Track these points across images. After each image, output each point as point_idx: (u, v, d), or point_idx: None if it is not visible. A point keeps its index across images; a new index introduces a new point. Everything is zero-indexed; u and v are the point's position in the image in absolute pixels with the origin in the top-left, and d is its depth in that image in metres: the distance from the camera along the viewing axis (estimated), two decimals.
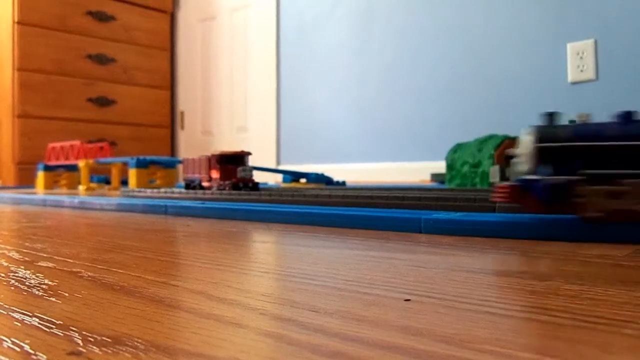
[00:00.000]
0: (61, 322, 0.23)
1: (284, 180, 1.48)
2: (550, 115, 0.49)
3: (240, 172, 0.97)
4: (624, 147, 0.45)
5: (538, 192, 0.48)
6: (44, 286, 0.30)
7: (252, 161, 1.07)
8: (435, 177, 1.48)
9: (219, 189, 0.97)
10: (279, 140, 2.21)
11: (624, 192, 0.44)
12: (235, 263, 0.38)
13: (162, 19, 2.73)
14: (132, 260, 0.40)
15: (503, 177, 0.55)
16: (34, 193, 1.50)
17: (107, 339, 0.20)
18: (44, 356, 0.19)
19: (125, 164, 1.59)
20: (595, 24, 1.42)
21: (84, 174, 1.63)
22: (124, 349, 0.19)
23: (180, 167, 1.77)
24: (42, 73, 2.31)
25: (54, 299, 0.27)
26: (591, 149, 0.46)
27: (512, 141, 1.00)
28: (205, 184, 1.04)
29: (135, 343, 0.20)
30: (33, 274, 0.34)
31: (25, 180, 2.24)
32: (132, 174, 1.46)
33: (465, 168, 1.02)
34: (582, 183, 0.46)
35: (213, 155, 1.01)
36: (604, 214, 0.45)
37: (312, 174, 1.38)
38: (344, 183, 1.41)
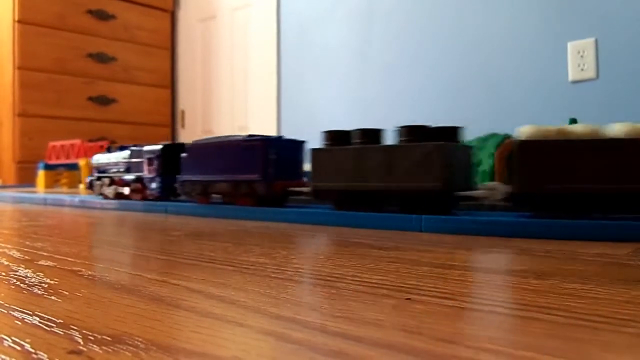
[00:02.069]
0: (61, 321, 0.23)
1: None
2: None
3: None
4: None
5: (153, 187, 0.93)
6: (44, 285, 0.30)
7: None
8: None
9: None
10: None
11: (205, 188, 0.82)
12: (235, 262, 0.38)
13: (163, 17, 2.73)
14: (132, 259, 0.40)
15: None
16: (35, 192, 1.50)
17: (107, 338, 0.20)
18: (45, 355, 0.18)
19: None
20: (596, 23, 1.42)
21: (84, 173, 1.63)
22: (124, 348, 0.19)
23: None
24: (43, 72, 2.31)
25: (54, 298, 0.27)
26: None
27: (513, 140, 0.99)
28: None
29: (136, 342, 0.20)
30: (33, 272, 0.34)
31: (25, 179, 2.24)
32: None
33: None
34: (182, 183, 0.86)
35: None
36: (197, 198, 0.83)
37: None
38: None
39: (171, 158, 0.91)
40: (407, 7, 1.82)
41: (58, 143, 1.77)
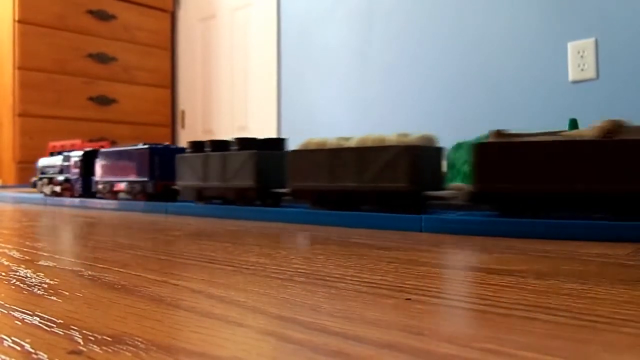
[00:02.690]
0: (62, 321, 0.23)
1: None
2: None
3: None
4: None
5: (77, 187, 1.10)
6: (44, 285, 0.30)
7: None
8: None
9: None
10: None
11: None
12: (235, 262, 0.38)
13: (163, 18, 2.73)
14: (132, 259, 0.40)
15: None
16: (35, 192, 1.50)
17: (107, 338, 0.20)
18: (45, 355, 0.19)
19: None
20: (596, 23, 1.42)
21: None
22: (124, 348, 0.19)
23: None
24: (43, 72, 2.31)
25: (54, 298, 0.27)
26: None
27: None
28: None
29: (136, 342, 0.20)
30: (34, 273, 0.34)
31: (26, 179, 2.24)
32: None
33: (467, 167, 1.02)
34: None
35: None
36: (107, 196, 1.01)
37: None
38: None
39: (91, 162, 1.10)
40: (407, 7, 1.82)
41: (58, 143, 1.77)
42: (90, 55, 2.47)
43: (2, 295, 0.28)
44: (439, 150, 0.64)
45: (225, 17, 2.53)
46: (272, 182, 0.74)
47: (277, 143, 0.79)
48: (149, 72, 2.67)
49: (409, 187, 0.59)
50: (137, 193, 0.95)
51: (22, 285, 0.31)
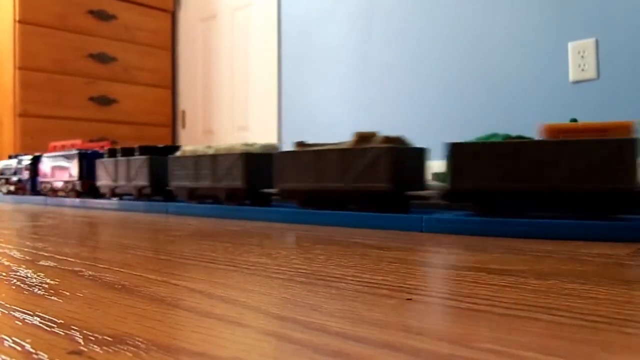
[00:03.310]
0: (62, 321, 0.23)
1: None
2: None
3: None
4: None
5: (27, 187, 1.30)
6: (45, 285, 0.30)
7: None
8: (436, 176, 1.48)
9: None
10: (280, 140, 2.21)
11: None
12: (236, 262, 0.38)
13: (163, 18, 2.73)
14: (132, 259, 0.40)
15: None
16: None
17: (108, 338, 0.20)
18: (45, 355, 0.19)
19: None
20: (597, 23, 1.41)
21: None
22: (125, 348, 0.19)
23: None
24: (43, 72, 2.31)
25: (55, 298, 0.27)
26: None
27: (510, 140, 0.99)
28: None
29: (136, 342, 0.20)
30: (34, 273, 0.34)
31: None
32: None
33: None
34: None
35: None
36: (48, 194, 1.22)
37: None
38: None
39: (38, 165, 1.29)
40: (407, 7, 1.82)
41: (59, 143, 1.77)
42: (91, 56, 2.47)
43: (3, 295, 0.28)
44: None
45: (225, 17, 2.54)
46: (163, 182, 0.93)
47: (170, 150, 0.96)
48: (149, 72, 2.67)
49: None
50: (69, 191, 1.15)
51: (22, 285, 0.31)
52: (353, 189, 0.65)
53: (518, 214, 0.53)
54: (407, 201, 0.64)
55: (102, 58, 2.50)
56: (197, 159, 0.85)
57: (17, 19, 2.23)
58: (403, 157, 0.63)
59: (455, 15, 1.69)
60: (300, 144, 0.71)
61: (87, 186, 1.11)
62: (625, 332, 0.20)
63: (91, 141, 1.92)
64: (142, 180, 0.95)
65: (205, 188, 0.83)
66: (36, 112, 2.30)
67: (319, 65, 2.09)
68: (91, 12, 2.46)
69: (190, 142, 2.73)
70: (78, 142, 1.69)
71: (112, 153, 1.05)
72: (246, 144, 0.82)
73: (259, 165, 0.78)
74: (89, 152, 1.13)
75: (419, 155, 0.66)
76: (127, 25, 2.59)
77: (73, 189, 1.13)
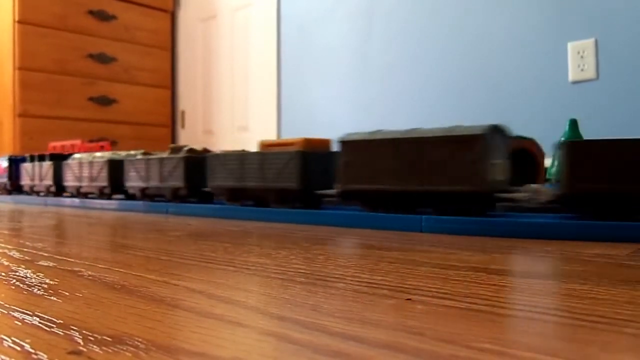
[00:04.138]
0: (62, 322, 0.23)
1: None
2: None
3: None
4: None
5: (6, 186, 1.43)
6: (44, 285, 0.30)
7: None
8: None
9: None
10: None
11: None
12: (235, 262, 0.38)
13: (163, 18, 2.73)
14: (132, 259, 0.40)
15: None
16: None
17: (107, 338, 0.20)
18: (45, 355, 0.18)
19: None
20: (596, 23, 1.41)
21: None
22: (124, 348, 0.19)
23: None
24: (43, 72, 2.31)
25: (54, 298, 0.27)
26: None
27: (512, 140, 1.00)
28: None
29: (136, 342, 0.20)
30: (34, 273, 0.34)
31: None
32: None
33: None
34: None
35: None
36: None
37: None
38: None
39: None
40: (407, 7, 1.82)
41: (58, 143, 1.77)
42: (91, 56, 2.47)
43: (2, 295, 0.28)
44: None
45: (225, 17, 2.54)
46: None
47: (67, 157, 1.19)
48: (149, 72, 2.67)
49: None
50: (2, 189, 1.42)
51: (22, 285, 0.31)
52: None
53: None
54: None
55: (102, 58, 2.50)
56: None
57: (17, 19, 2.23)
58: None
59: (455, 15, 1.69)
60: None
61: (14, 185, 1.38)
62: (625, 333, 0.20)
63: (91, 141, 1.92)
64: (49, 180, 1.22)
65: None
66: (36, 112, 2.30)
67: (319, 65, 2.09)
68: (91, 12, 2.46)
69: (190, 142, 2.73)
70: (78, 142, 1.69)
71: (32, 158, 1.32)
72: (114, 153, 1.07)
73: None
74: (18, 157, 1.41)
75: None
76: (127, 25, 2.59)
77: (4, 188, 1.42)
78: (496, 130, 0.55)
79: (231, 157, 0.79)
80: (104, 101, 2.51)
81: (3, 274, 0.34)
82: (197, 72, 2.68)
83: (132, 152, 1.06)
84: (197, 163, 0.86)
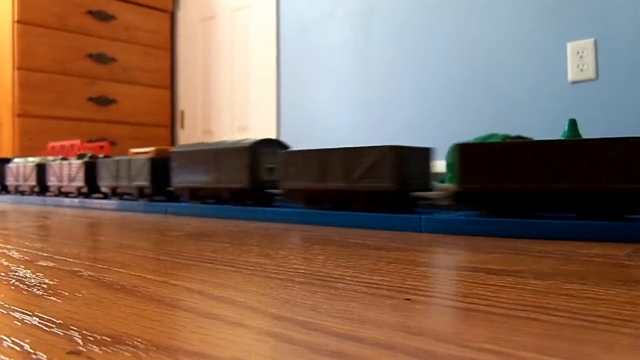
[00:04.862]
0: (61, 322, 0.23)
1: None
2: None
3: None
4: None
5: None
6: (44, 285, 0.30)
7: None
8: (436, 176, 1.48)
9: None
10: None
11: None
12: (235, 262, 0.38)
13: (163, 18, 2.73)
14: (132, 259, 0.40)
15: None
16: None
17: (107, 338, 0.20)
18: (44, 355, 0.18)
19: None
20: (596, 23, 1.42)
21: None
22: (124, 348, 0.19)
23: None
24: (43, 72, 2.31)
25: (54, 298, 0.27)
26: None
27: (512, 140, 0.99)
28: None
29: (135, 342, 0.20)
30: (33, 273, 0.34)
31: None
32: None
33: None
34: None
35: None
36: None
37: None
38: None
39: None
40: (407, 7, 1.82)
41: (57, 143, 1.77)
42: (90, 56, 2.47)
43: (2, 295, 0.28)
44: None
45: (225, 17, 2.54)
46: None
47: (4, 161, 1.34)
48: (148, 72, 2.67)
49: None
50: None
51: (21, 285, 0.30)
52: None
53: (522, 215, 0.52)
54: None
55: (101, 58, 2.50)
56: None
57: (16, 19, 2.23)
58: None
59: (455, 16, 1.69)
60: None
61: None
62: (625, 333, 0.20)
63: (90, 141, 1.92)
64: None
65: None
66: (35, 112, 2.30)
67: (319, 65, 2.09)
68: (90, 12, 2.46)
69: (189, 142, 2.72)
70: (77, 142, 1.68)
71: (1, 161, 1.49)
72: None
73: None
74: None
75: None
76: (126, 25, 2.59)
77: None
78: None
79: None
80: (104, 101, 2.51)
81: (3, 274, 0.34)
82: (197, 72, 2.67)
83: (50, 158, 1.25)
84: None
